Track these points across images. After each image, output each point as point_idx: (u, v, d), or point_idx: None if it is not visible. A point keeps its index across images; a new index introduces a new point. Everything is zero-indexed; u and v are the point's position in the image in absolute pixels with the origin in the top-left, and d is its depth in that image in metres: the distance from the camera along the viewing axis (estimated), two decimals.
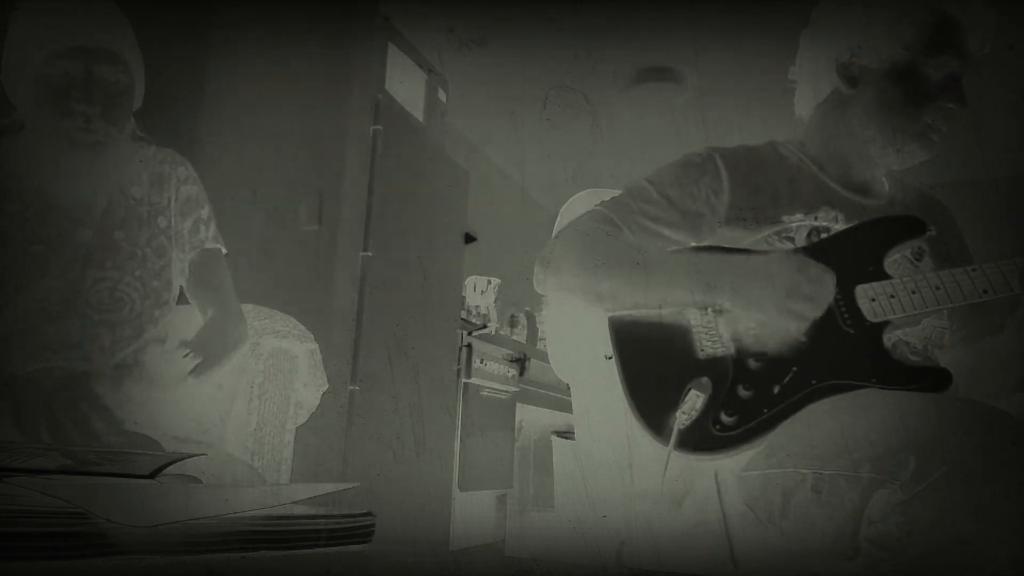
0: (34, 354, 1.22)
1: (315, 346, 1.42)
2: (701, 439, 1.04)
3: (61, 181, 1.30)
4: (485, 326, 3.04)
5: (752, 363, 1.08)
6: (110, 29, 1.27)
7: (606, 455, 1.09)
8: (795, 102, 1.29)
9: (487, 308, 3.25)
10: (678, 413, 1.04)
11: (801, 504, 0.95)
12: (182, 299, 1.41)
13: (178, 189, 1.38)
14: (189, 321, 1.37)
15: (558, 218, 1.32)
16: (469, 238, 3.14)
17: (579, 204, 1.30)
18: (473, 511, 2.76)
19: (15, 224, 1.27)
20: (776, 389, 1.05)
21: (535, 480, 3.20)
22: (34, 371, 1.21)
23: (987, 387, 1.16)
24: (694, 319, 1.11)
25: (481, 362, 2.85)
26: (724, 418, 1.04)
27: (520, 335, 3.54)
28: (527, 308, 3.64)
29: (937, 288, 1.06)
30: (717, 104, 3.40)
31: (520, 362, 3.16)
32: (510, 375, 3.07)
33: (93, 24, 1.26)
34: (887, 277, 1.09)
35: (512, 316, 3.56)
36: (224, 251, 1.42)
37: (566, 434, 3.17)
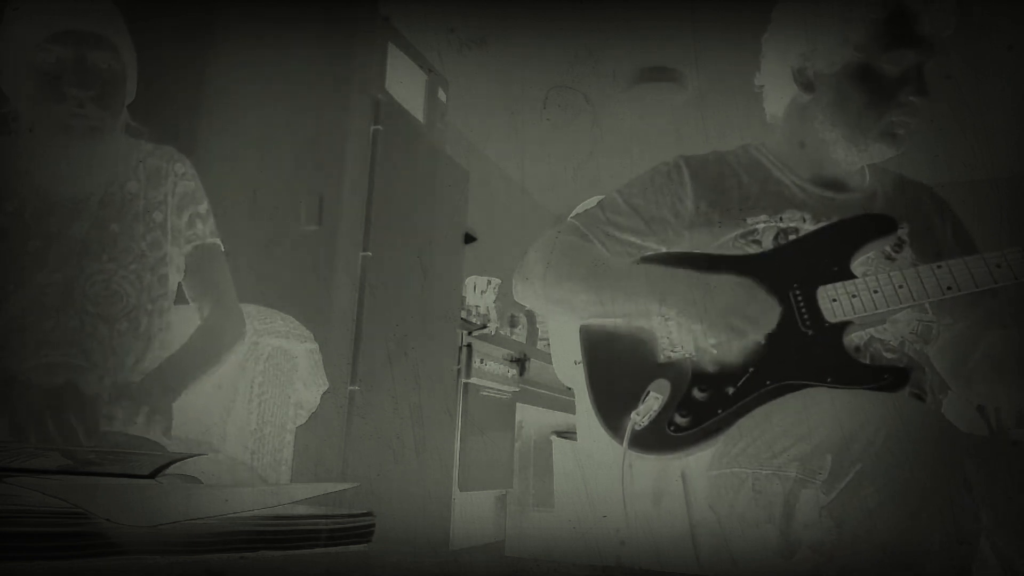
0: (33, 351, 1.22)
1: (315, 346, 1.42)
2: (655, 439, 1.06)
3: (59, 175, 1.30)
4: (485, 326, 3.04)
5: (709, 366, 1.09)
6: (100, 16, 1.27)
7: (606, 455, 1.09)
8: (764, 106, 1.29)
9: (487, 308, 3.25)
10: (633, 414, 1.07)
11: (746, 504, 0.96)
12: (181, 298, 1.41)
13: (175, 185, 1.38)
14: (188, 321, 1.37)
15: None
16: (469, 238, 3.14)
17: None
18: (473, 511, 2.75)
19: (13, 221, 1.27)
20: (730, 390, 1.06)
21: (535, 480, 3.20)
22: (32, 368, 1.21)
23: (985, 384, 1.16)
24: (656, 325, 1.13)
25: (481, 362, 2.85)
26: (678, 419, 1.06)
27: (520, 335, 3.54)
28: (527, 308, 3.64)
29: (900, 286, 1.06)
30: (717, 104, 3.40)
31: (520, 362, 3.16)
32: (510, 375, 3.07)
33: (83, 10, 1.26)
34: (853, 277, 1.09)
35: (512, 316, 3.56)
36: (223, 248, 1.42)
37: (566, 434, 3.17)
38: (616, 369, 1.13)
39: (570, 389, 1.28)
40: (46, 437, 1.07)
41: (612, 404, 1.10)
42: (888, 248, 1.16)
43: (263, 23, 2.42)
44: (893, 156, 1.19)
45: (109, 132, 1.30)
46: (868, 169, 1.26)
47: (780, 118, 1.27)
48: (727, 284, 1.10)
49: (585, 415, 1.19)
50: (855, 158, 1.20)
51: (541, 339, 3.59)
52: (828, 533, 0.86)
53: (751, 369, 1.07)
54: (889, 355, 1.11)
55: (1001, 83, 2.68)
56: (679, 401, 1.07)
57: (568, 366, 1.28)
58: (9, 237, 1.26)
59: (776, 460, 0.94)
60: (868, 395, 0.97)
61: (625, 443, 1.05)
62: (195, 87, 2.42)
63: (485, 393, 2.87)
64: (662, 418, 1.06)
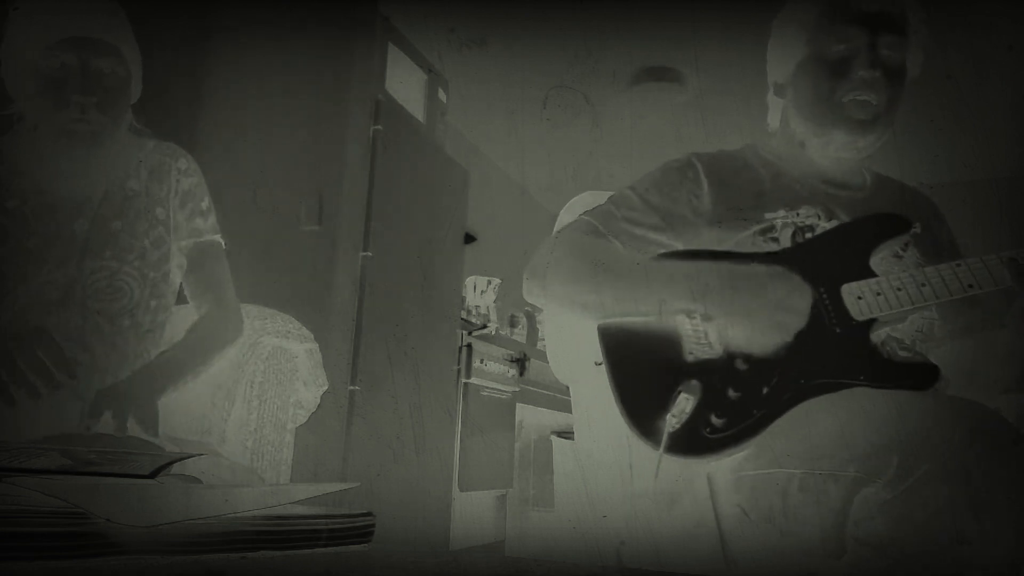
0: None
1: (315, 346, 1.42)
2: (692, 442, 1.04)
3: (60, 174, 1.30)
4: (485, 326, 3.04)
5: (740, 365, 1.08)
6: (107, 22, 1.27)
7: (606, 455, 1.09)
8: (768, 120, 1.32)
9: (487, 308, 3.25)
10: (668, 416, 1.04)
11: (791, 504, 0.96)
12: (182, 298, 1.40)
13: (178, 181, 1.38)
14: (189, 319, 1.37)
15: (558, 220, 1.32)
16: (469, 238, 3.14)
17: (579, 206, 1.30)
18: (473, 511, 2.75)
19: (13, 219, 1.27)
20: (765, 390, 1.05)
21: (535, 480, 3.20)
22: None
23: (983, 384, 1.16)
24: (682, 324, 1.12)
25: (481, 362, 2.85)
26: (714, 420, 1.04)
27: (520, 335, 3.54)
28: (527, 308, 3.64)
29: (923, 285, 1.06)
30: (717, 104, 3.41)
31: (520, 362, 3.16)
32: (510, 375, 3.07)
33: (90, 17, 1.26)
34: (873, 275, 1.09)
35: (512, 316, 3.56)
36: (224, 245, 1.42)
37: (566, 434, 3.17)
38: (641, 370, 1.11)
39: (568, 388, 1.27)
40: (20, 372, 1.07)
41: (641, 407, 1.07)
42: (897, 248, 1.16)
43: (263, 24, 2.42)
44: (862, 146, 1.18)
45: (111, 136, 1.30)
46: (867, 173, 1.27)
47: (778, 128, 1.29)
48: (766, 275, 1.09)
49: (584, 415, 1.18)
50: (821, 151, 1.20)
51: (541, 339, 3.59)
52: (884, 532, 0.86)
53: (783, 367, 1.06)
54: (903, 353, 1.11)
55: (1001, 83, 2.68)
56: (713, 402, 1.05)
57: (566, 364, 1.28)
58: (8, 235, 1.26)
59: (826, 461, 0.93)
60: (915, 396, 0.97)
61: (662, 446, 1.03)
62: (195, 87, 2.42)
63: (485, 393, 2.87)
64: (695, 420, 1.04)
